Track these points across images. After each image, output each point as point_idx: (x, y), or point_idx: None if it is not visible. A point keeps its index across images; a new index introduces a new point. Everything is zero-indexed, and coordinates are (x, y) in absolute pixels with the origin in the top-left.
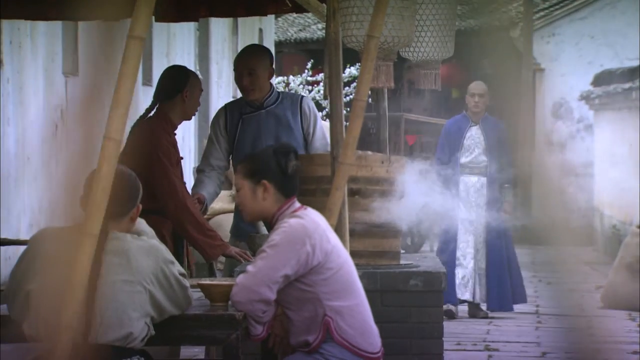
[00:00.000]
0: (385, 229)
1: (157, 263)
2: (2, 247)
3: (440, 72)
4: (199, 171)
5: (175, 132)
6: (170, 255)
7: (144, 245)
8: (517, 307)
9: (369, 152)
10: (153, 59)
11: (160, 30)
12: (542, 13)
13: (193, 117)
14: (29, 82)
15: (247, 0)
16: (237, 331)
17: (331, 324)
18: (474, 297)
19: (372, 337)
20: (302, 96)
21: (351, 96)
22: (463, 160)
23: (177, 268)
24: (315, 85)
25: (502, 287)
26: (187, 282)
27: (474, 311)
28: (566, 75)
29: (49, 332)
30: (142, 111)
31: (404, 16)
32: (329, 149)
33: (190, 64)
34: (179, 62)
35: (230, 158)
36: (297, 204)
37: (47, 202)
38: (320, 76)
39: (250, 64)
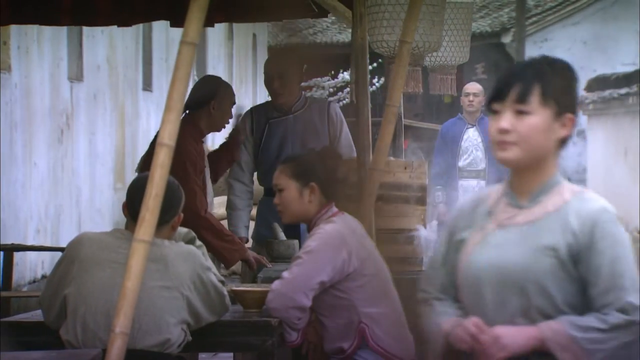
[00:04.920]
0: (408, 234)
1: (195, 269)
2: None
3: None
4: (231, 180)
5: (203, 140)
6: (207, 262)
7: (182, 251)
8: None
9: (392, 158)
10: (153, 64)
11: (160, 35)
12: (534, 18)
13: (224, 128)
14: (35, 88)
15: (262, 5)
16: (273, 338)
17: (366, 330)
18: None
19: (407, 344)
20: (329, 101)
21: (345, 101)
22: (461, 163)
23: (214, 274)
24: (308, 90)
25: None
26: (224, 290)
27: None
28: None
29: (87, 337)
30: (142, 116)
31: (435, 21)
32: (354, 155)
33: None
34: None
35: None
36: (335, 209)
37: (54, 207)
38: (314, 81)
39: (280, 67)
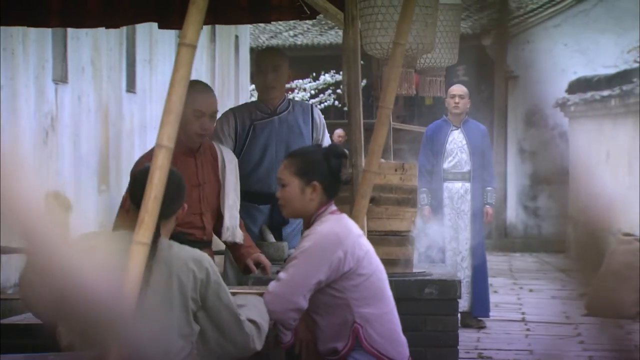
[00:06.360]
0: (399, 236)
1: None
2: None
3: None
4: None
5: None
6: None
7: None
8: (504, 315)
9: (382, 160)
10: (136, 65)
11: (143, 37)
12: (515, 21)
13: (197, 141)
14: (21, 90)
15: (251, 7)
16: (267, 339)
17: (360, 331)
18: (466, 306)
19: (400, 346)
20: (312, 105)
21: (326, 103)
22: (446, 165)
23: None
24: (290, 92)
25: (485, 294)
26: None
27: (469, 321)
28: (540, 83)
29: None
30: (126, 117)
31: (428, 23)
32: None
33: (171, 70)
34: (160, 68)
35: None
36: (333, 207)
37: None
38: (295, 83)
39: (275, 60)
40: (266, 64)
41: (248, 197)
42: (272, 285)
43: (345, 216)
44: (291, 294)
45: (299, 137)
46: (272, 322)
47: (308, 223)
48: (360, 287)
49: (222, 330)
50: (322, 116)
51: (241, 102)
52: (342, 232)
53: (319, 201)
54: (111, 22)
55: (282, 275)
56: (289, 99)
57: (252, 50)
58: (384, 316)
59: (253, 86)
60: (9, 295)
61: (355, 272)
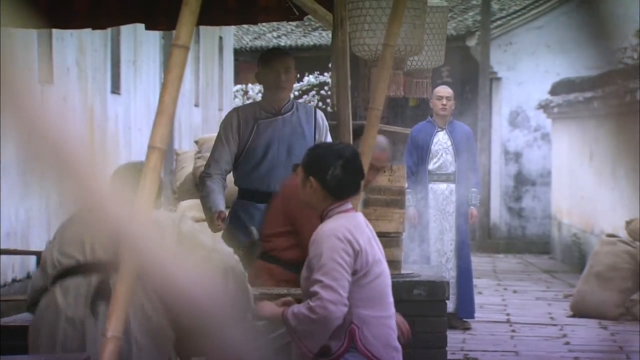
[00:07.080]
0: (387, 237)
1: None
2: None
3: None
4: (205, 175)
5: None
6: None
7: None
8: (489, 316)
9: None
10: (121, 66)
11: (128, 38)
12: (499, 22)
13: None
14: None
15: (238, 8)
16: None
17: (356, 332)
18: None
19: (394, 352)
20: (315, 107)
21: (310, 104)
22: (431, 167)
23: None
24: None
25: (470, 295)
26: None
27: (454, 322)
28: (523, 84)
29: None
30: (111, 118)
31: (416, 25)
32: None
33: (156, 71)
34: (144, 69)
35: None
36: (349, 206)
37: (24, 210)
38: None
39: (287, 61)
40: (278, 65)
41: (247, 195)
42: (324, 294)
43: (358, 215)
44: (345, 299)
45: (302, 138)
46: (263, 322)
47: (320, 218)
48: (365, 288)
49: (201, 244)
50: (325, 119)
51: (226, 103)
52: (355, 230)
53: (321, 197)
54: (98, 23)
55: (329, 282)
56: (293, 101)
57: (236, 51)
58: (383, 320)
59: (237, 87)
60: (8, 296)
61: (365, 273)
